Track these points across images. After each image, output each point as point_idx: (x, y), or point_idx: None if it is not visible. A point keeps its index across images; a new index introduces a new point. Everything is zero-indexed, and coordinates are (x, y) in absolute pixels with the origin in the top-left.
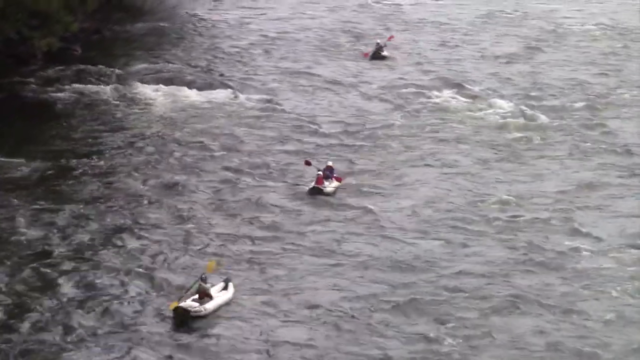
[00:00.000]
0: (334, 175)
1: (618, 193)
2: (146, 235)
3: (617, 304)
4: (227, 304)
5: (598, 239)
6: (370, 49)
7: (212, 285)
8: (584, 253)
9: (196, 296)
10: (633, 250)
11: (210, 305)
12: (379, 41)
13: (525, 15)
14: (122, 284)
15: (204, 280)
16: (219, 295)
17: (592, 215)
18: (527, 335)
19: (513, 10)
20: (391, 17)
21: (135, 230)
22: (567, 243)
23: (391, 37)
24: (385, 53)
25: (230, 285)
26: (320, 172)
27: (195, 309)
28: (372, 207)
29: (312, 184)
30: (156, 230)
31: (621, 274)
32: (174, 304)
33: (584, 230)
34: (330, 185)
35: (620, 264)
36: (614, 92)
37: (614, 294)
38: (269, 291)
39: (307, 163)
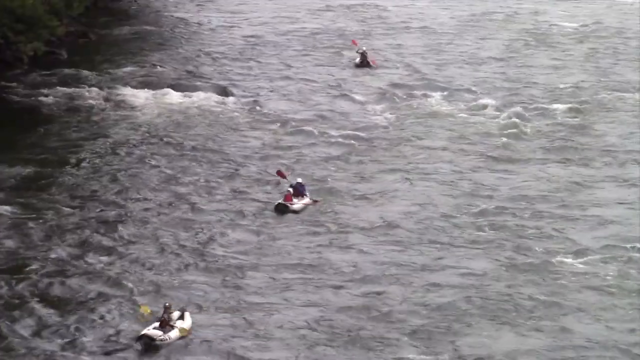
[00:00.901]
0: (306, 192)
1: (604, 201)
2: (117, 248)
3: (600, 315)
4: (186, 334)
5: (582, 249)
6: (357, 48)
7: (170, 314)
8: (567, 262)
9: (157, 324)
10: (618, 260)
11: (173, 334)
12: (364, 48)
13: (510, 16)
14: (89, 299)
15: (167, 308)
16: (178, 324)
17: (577, 225)
18: (505, 348)
19: (498, 12)
20: (375, 21)
21: (108, 243)
22: (550, 253)
23: (353, 41)
24: (369, 61)
25: (187, 314)
26: (291, 190)
27: (161, 337)
28: (350, 218)
29: (280, 200)
30: (128, 243)
31: (604, 284)
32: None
33: (567, 239)
34: (299, 202)
35: (604, 273)
36: (600, 96)
37: (598, 305)
38: (239, 309)
39: (280, 174)
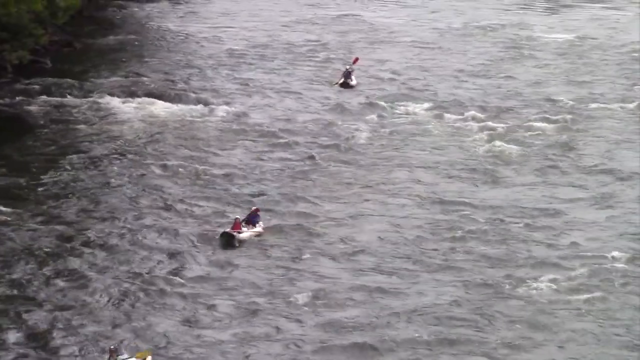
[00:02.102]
0: (259, 221)
1: (585, 222)
2: (74, 274)
3: (574, 339)
4: None
5: (559, 271)
6: (338, 76)
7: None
8: (543, 287)
9: None
10: (598, 287)
11: None
12: (347, 67)
13: (494, 30)
14: (53, 320)
15: (113, 352)
16: None
17: (556, 247)
18: None
19: (482, 25)
20: (358, 33)
21: (64, 267)
22: (526, 277)
23: (356, 59)
24: (353, 82)
25: (149, 359)
26: (239, 217)
27: None
28: (316, 242)
29: (226, 229)
30: (85, 269)
31: (581, 313)
32: None
33: (546, 263)
34: (249, 231)
35: (582, 301)
36: (584, 110)
37: (572, 328)
38: (201, 347)
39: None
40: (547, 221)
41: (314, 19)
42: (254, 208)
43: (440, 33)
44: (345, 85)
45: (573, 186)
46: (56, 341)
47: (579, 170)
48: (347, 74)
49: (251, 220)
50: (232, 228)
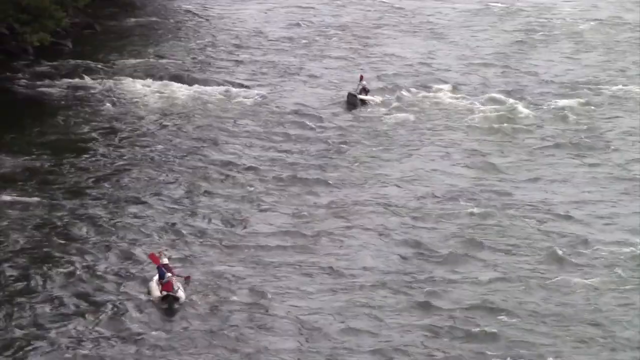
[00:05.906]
0: (173, 270)
1: (606, 214)
2: (114, 242)
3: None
4: None
5: (571, 265)
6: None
7: None
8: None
9: None
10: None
11: None
12: (364, 82)
13: (516, 10)
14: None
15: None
16: None
17: (567, 267)
18: None
19: (503, 5)
20: (378, 14)
21: (107, 236)
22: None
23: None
24: (367, 97)
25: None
26: (170, 275)
27: None
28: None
29: (159, 290)
30: (127, 240)
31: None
32: None
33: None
34: (179, 288)
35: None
36: (606, 90)
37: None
38: None
39: (153, 258)
40: (564, 217)
41: (337, 1)
42: (164, 261)
43: (460, 15)
44: (354, 101)
45: (597, 179)
46: None
47: (603, 160)
48: (363, 90)
49: (164, 272)
50: (164, 287)
